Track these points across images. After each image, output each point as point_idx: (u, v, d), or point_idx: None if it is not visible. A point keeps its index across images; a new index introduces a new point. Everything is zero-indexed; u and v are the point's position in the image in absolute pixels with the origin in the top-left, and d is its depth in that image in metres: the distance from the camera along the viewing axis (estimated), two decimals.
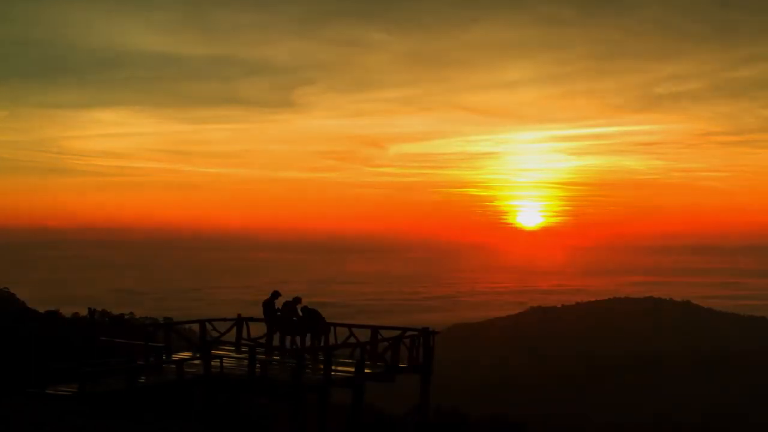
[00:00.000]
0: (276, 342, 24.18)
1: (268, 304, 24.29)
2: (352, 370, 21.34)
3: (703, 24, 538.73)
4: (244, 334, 25.65)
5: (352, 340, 23.76)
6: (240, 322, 25.84)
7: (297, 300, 24.11)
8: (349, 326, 24.21)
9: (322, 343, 23.26)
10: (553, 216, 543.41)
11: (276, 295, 24.44)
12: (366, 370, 21.45)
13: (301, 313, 23.93)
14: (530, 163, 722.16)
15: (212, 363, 20.57)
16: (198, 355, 21.84)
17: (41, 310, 35.14)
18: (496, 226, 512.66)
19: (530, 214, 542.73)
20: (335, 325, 24.49)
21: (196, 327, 26.30)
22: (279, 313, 24.01)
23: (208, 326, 25.33)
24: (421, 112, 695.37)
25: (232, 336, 25.82)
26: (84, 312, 38.86)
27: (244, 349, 23.83)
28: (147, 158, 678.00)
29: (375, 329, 23.77)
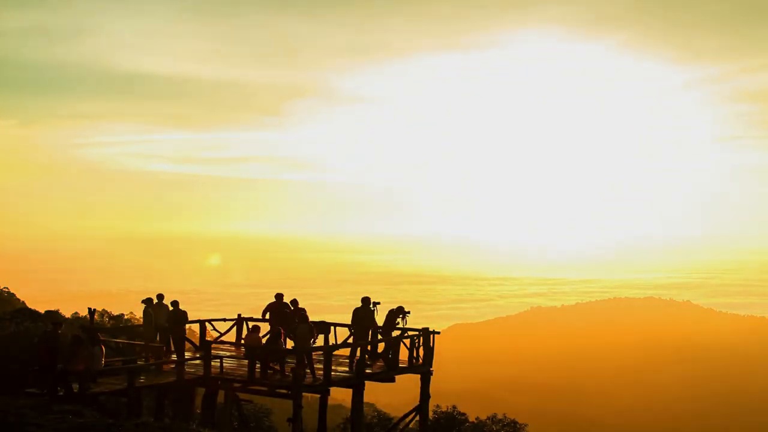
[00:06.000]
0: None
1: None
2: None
3: None
4: (244, 334, 25.63)
5: (352, 340, 23.77)
6: (240, 322, 25.83)
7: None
8: (350, 326, 24.18)
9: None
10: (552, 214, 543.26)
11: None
12: (366, 370, 21.43)
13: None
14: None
15: (212, 363, 20.57)
16: (198, 355, 21.83)
17: (41, 310, 35.09)
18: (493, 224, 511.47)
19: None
20: (335, 325, 24.46)
21: (196, 327, 26.30)
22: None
23: (208, 326, 25.33)
24: None
25: (232, 336, 25.85)
26: (84, 312, 38.85)
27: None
28: (152, 163, 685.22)
29: (375, 329, 23.71)
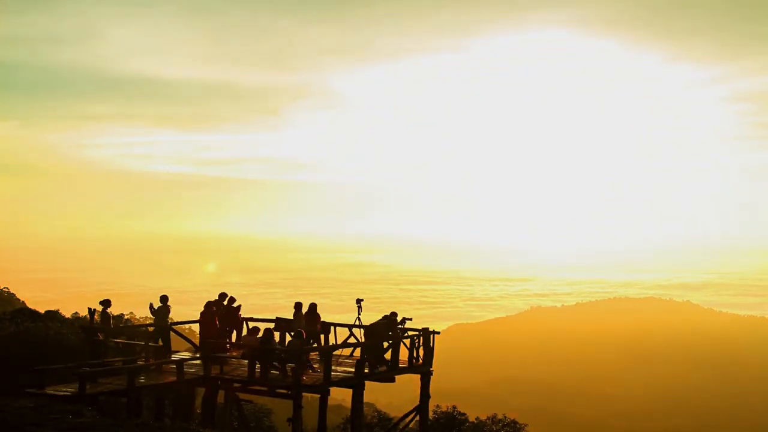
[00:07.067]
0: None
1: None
2: (352, 370, 21.33)
3: None
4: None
5: (352, 340, 23.77)
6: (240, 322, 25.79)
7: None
8: (349, 326, 24.18)
9: None
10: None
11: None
12: (366, 370, 21.41)
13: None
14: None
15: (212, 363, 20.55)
16: (198, 355, 21.83)
17: (41, 310, 35.10)
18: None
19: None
20: (335, 325, 24.45)
21: (196, 327, 26.28)
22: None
23: None
24: None
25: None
26: (84, 312, 38.80)
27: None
28: (152, 164, 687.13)
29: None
